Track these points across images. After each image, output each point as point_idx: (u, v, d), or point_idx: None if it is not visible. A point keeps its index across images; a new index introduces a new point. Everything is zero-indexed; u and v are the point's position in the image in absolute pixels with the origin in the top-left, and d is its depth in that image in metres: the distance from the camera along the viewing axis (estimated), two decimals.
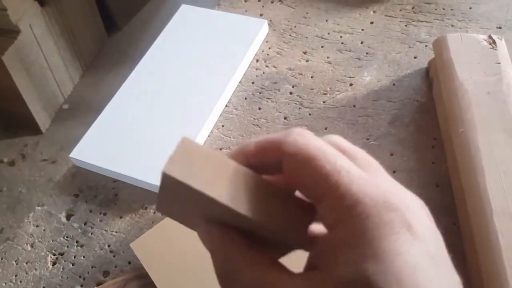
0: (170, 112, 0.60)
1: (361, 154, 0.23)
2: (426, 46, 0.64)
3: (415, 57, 0.63)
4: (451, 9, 0.67)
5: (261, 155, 0.23)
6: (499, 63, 0.54)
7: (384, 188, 0.20)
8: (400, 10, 0.68)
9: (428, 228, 0.20)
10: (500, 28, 0.64)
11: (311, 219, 0.22)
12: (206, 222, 0.23)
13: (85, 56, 0.99)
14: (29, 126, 0.75)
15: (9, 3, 0.66)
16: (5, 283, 0.52)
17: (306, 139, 0.22)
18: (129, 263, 0.51)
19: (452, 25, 0.65)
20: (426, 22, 0.66)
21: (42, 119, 0.80)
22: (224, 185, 0.22)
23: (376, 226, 0.19)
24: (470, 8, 0.67)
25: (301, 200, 0.23)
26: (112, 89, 0.67)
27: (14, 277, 0.53)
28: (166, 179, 0.23)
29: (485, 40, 0.57)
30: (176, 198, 0.25)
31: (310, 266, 0.21)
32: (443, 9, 0.67)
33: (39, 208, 0.57)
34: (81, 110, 0.71)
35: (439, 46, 0.57)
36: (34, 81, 0.96)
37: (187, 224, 0.28)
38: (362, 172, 0.21)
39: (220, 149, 0.58)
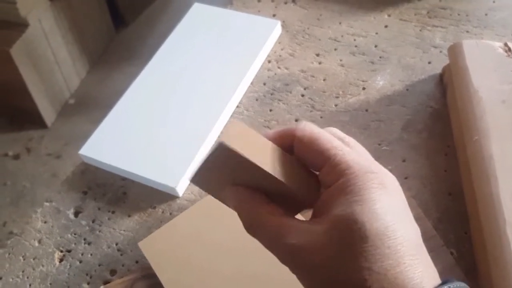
0: (181, 112, 0.60)
1: (353, 142, 0.31)
2: (440, 51, 0.63)
3: (429, 63, 0.62)
4: (467, 15, 0.66)
5: (278, 140, 0.30)
6: None
7: (368, 161, 0.29)
8: (415, 15, 0.68)
9: (396, 189, 0.28)
10: None
11: (319, 185, 0.30)
12: (233, 185, 0.30)
13: (92, 52, 0.99)
14: (35, 121, 0.75)
15: None
16: (12, 279, 0.52)
17: (311, 127, 0.30)
18: (137, 262, 0.51)
19: (467, 31, 0.65)
20: (441, 27, 0.66)
21: (47, 113, 0.80)
22: (265, 157, 0.29)
23: (361, 182, 0.27)
24: (486, 14, 0.66)
25: (312, 171, 0.31)
26: (119, 85, 0.66)
27: (21, 272, 0.52)
28: (223, 150, 0.28)
29: (501, 47, 0.56)
30: (218, 168, 0.30)
31: (313, 216, 0.29)
32: (458, 14, 0.67)
33: (47, 204, 0.57)
34: (87, 106, 0.70)
35: (455, 52, 0.57)
36: (41, 75, 0.96)
37: (214, 192, 0.33)
38: (352, 151, 0.29)
39: None
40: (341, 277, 0.26)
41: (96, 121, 0.62)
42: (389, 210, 0.26)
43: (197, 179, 0.33)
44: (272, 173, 0.29)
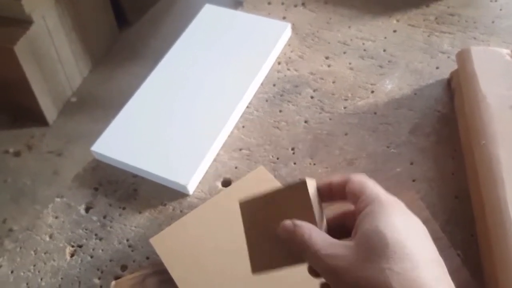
0: (192, 111, 0.61)
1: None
2: (448, 57, 0.64)
3: (437, 68, 0.63)
4: (474, 22, 0.67)
5: (337, 185, 0.37)
6: None
7: (394, 197, 0.34)
8: (424, 20, 0.69)
9: (416, 218, 0.34)
10: None
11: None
12: (294, 225, 0.34)
13: (95, 51, 0.99)
14: (36, 118, 0.75)
15: None
16: (23, 272, 0.53)
17: (361, 176, 0.36)
18: (147, 258, 0.52)
19: (474, 38, 0.66)
20: (449, 33, 0.67)
21: (49, 111, 0.80)
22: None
23: (386, 207, 0.32)
24: (493, 22, 0.67)
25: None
26: (121, 84, 0.67)
27: (32, 266, 0.53)
28: (303, 189, 0.35)
29: (508, 54, 0.57)
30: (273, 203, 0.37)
31: (351, 236, 0.34)
32: (466, 21, 0.68)
33: (59, 199, 0.58)
34: (89, 104, 0.71)
35: (463, 58, 0.58)
36: (44, 73, 0.96)
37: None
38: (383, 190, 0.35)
39: (240, 150, 0.59)
40: (367, 277, 0.30)
41: (98, 120, 0.62)
42: (409, 227, 0.32)
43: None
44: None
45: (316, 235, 0.33)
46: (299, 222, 0.34)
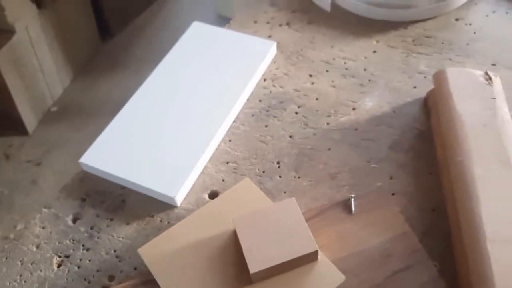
0: (180, 125, 0.62)
1: None
2: (425, 77, 0.67)
3: (414, 87, 0.66)
4: (450, 44, 0.71)
5: None
6: (494, 98, 0.58)
7: None
8: (402, 42, 0.72)
9: None
10: (494, 65, 0.68)
11: None
12: None
13: (77, 61, 1.00)
14: (16, 127, 0.75)
15: (7, 3, 0.67)
16: (9, 283, 0.53)
17: None
18: (135, 269, 0.53)
19: (450, 59, 0.69)
20: (426, 54, 0.70)
21: (29, 120, 0.80)
22: None
23: None
24: (468, 44, 0.71)
25: None
26: (102, 94, 0.68)
27: (18, 277, 0.53)
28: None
29: (482, 76, 0.60)
30: None
31: None
32: (442, 43, 0.71)
33: (46, 210, 0.58)
34: (69, 114, 0.72)
35: (439, 78, 0.61)
36: (25, 82, 0.95)
37: None
38: None
39: (227, 163, 0.61)
40: None
41: (78, 129, 0.63)
42: None
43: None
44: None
45: None
46: None
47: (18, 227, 0.55)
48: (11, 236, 0.56)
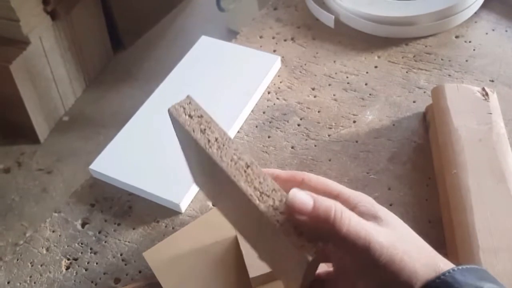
0: None
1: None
2: (424, 92, 0.69)
3: (414, 102, 0.68)
4: (449, 60, 0.73)
5: (287, 178, 0.38)
6: (491, 113, 0.60)
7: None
8: (402, 57, 0.74)
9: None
10: (492, 81, 0.70)
11: None
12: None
13: (89, 71, 1.03)
14: (28, 135, 0.78)
15: (22, 15, 0.70)
16: (20, 283, 0.55)
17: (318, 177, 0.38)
18: (140, 272, 0.55)
19: (449, 75, 0.71)
20: (426, 70, 0.72)
21: (41, 129, 0.83)
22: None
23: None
24: (467, 60, 0.73)
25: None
26: (113, 105, 0.71)
27: (28, 278, 0.55)
28: None
29: (479, 91, 0.62)
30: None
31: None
32: (442, 59, 0.73)
33: (56, 214, 0.61)
34: (80, 123, 0.74)
35: (437, 94, 0.63)
36: (38, 91, 0.99)
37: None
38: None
39: None
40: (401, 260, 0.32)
41: (89, 139, 0.66)
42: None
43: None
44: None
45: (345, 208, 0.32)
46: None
47: (28, 234, 0.57)
48: (21, 242, 0.59)
